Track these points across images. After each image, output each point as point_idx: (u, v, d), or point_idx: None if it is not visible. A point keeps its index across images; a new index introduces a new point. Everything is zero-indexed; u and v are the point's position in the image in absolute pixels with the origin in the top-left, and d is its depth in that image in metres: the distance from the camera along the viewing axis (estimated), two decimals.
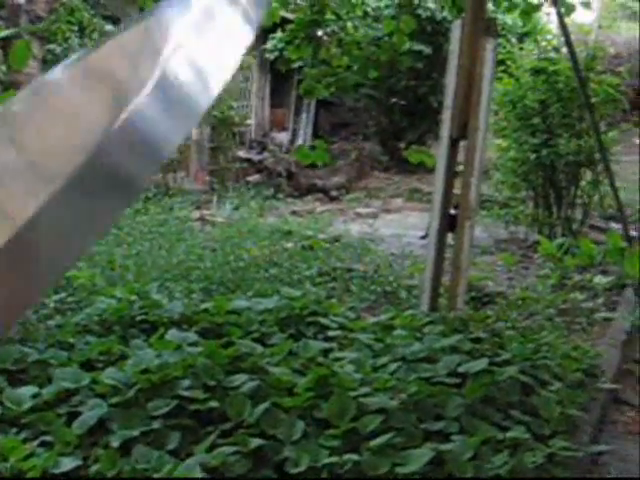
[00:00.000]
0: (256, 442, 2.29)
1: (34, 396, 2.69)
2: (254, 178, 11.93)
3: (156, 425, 2.42)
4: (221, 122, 12.71)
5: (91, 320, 3.48)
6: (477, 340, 3.50)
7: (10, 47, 7.81)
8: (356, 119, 15.02)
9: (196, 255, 5.36)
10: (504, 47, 8.09)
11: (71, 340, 3.26)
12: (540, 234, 7.54)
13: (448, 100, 4.03)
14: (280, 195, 10.39)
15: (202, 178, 12.56)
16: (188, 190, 11.16)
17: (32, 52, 2.96)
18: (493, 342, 3.54)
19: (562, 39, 6.08)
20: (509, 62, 7.98)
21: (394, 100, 13.03)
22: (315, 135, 14.75)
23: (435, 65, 12.06)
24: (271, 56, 12.68)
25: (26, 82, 7.11)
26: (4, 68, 12.13)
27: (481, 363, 3.07)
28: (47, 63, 8.65)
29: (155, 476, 2.18)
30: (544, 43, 8.18)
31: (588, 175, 7.61)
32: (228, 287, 4.45)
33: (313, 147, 4.08)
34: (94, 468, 2.27)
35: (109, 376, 2.66)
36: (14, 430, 2.50)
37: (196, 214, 8.74)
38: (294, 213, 9.31)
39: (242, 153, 13.43)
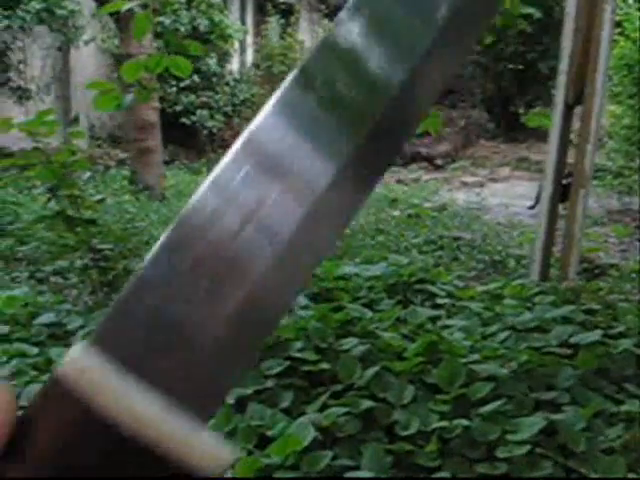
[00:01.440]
0: (367, 404, 2.33)
1: None
2: None
3: (269, 384, 2.50)
4: None
5: None
6: (589, 311, 3.42)
7: (123, 21, 8.03)
8: (462, 86, 14.73)
9: None
10: (621, 8, 7.72)
11: None
12: None
13: (563, 64, 3.90)
14: None
15: None
16: None
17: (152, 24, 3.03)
18: (606, 314, 3.45)
19: None
20: (626, 24, 7.62)
21: (502, 66, 12.69)
22: None
23: (546, 29, 11.65)
24: None
25: (138, 54, 7.32)
26: (116, 41, 12.54)
27: (594, 335, 3.01)
28: (158, 36, 8.87)
29: (270, 433, 2.25)
30: None
31: None
32: (335, 253, 4.49)
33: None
34: (211, 422, 2.36)
35: None
36: None
37: None
38: (399, 181, 9.27)
39: None
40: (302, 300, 3.18)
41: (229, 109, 12.03)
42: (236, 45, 12.82)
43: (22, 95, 12.75)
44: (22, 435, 0.19)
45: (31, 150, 3.33)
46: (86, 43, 12.98)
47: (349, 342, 2.70)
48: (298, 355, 2.61)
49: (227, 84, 12.26)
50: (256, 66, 13.31)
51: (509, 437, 2.24)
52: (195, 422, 0.21)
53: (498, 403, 2.36)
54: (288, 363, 2.58)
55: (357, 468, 2.15)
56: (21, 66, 13.10)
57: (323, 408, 2.36)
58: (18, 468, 0.18)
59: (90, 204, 3.80)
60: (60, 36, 13.03)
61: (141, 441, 0.19)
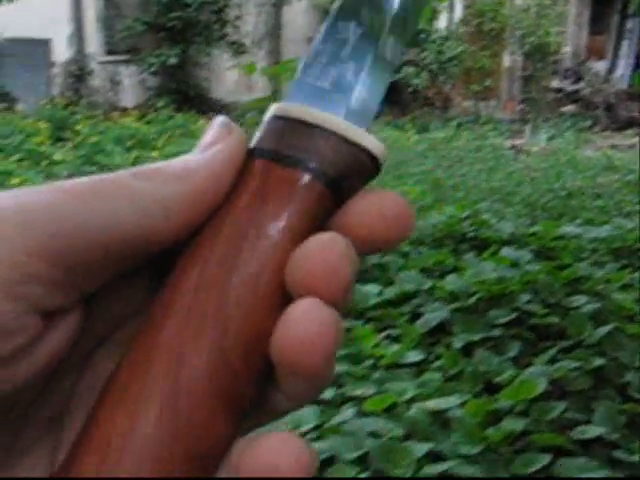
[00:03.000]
0: (598, 361, 2.29)
1: (378, 294, 2.94)
2: (568, 109, 11.44)
3: (496, 333, 2.52)
4: (536, 49, 12.28)
5: (423, 233, 3.67)
6: None
7: None
8: None
9: (515, 181, 5.35)
10: None
11: (406, 249, 3.48)
12: None
13: None
14: (596, 128, 9.87)
15: (512, 107, 12.31)
16: (498, 119, 11.02)
17: None
18: None
19: None
20: None
21: None
22: (638, 65, 13.66)
23: None
24: None
25: None
26: None
27: None
28: None
29: (497, 380, 2.28)
30: None
31: None
32: (552, 214, 4.39)
33: None
34: (436, 364, 2.43)
35: (450, 282, 2.81)
36: (361, 322, 2.75)
37: (508, 143, 8.66)
38: (613, 147, 8.80)
39: (555, 83, 12.90)
40: (526, 255, 3.15)
41: (435, 67, 11.93)
42: (445, 1, 12.64)
43: (237, 49, 13.39)
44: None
45: (270, 94, 3.53)
46: None
47: (578, 299, 2.66)
48: (526, 307, 2.61)
49: (434, 42, 12.15)
50: (465, 23, 13.06)
51: None
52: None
53: None
54: (515, 314, 2.58)
55: (587, 423, 2.13)
56: (237, 22, 13.72)
57: (552, 361, 2.35)
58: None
59: None
60: None
61: (344, 137, 0.27)
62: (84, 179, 0.24)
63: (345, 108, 0.27)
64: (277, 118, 0.27)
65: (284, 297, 0.24)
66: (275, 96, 3.40)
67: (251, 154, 0.27)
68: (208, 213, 0.25)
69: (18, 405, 0.24)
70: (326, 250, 0.24)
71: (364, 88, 0.28)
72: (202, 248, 0.25)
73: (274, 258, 0.24)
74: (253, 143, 0.27)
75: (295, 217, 0.25)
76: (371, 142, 0.27)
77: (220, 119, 0.27)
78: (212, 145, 0.26)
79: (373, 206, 0.25)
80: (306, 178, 0.25)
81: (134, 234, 0.23)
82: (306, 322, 0.23)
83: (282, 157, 0.26)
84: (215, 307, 0.24)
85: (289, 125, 0.26)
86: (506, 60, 13.11)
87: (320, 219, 0.26)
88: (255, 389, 0.25)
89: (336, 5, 0.29)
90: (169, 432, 0.23)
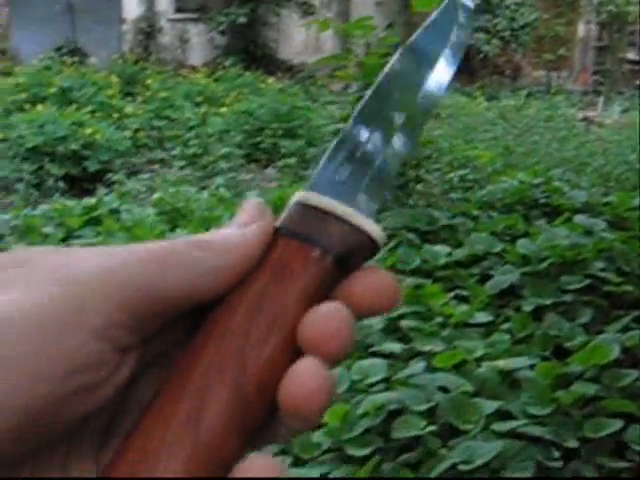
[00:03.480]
0: None
1: (447, 255, 2.92)
2: None
3: (567, 298, 2.49)
4: (614, 18, 11.88)
5: (493, 197, 3.63)
6: None
7: None
8: None
9: (588, 152, 5.24)
10: None
11: (475, 213, 3.45)
12: None
13: None
14: None
15: (584, 78, 11.98)
16: (569, 90, 10.75)
17: None
18: None
19: None
20: None
21: None
22: None
23: None
24: None
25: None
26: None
27: None
28: None
29: (567, 344, 2.26)
30: None
31: None
32: (626, 185, 4.29)
33: None
34: (505, 326, 2.42)
35: (522, 246, 2.78)
36: (430, 281, 2.74)
37: (580, 114, 8.45)
38: None
39: (631, 54, 12.49)
40: (600, 223, 3.09)
41: (507, 34, 11.66)
42: None
43: (306, 10, 13.31)
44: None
45: (342, 52, 3.50)
46: None
47: None
48: (599, 275, 2.57)
49: (507, 7, 11.86)
50: None
51: None
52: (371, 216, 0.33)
53: None
54: (588, 281, 2.54)
55: None
56: None
57: (624, 329, 2.31)
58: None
59: None
60: None
61: (353, 224, 0.32)
62: (153, 246, 0.31)
63: (357, 197, 0.33)
64: (299, 204, 0.33)
65: (294, 348, 0.30)
66: (347, 55, 3.37)
67: (277, 231, 0.33)
68: (243, 277, 0.32)
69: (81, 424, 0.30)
70: (330, 317, 0.30)
71: (374, 181, 0.34)
72: (232, 303, 0.31)
73: (287, 317, 0.31)
74: (279, 222, 0.33)
75: (307, 284, 0.31)
76: (373, 229, 0.32)
77: (254, 200, 0.34)
78: (249, 223, 0.33)
79: (374, 282, 0.32)
80: (318, 254, 0.31)
81: (188, 293, 0.31)
82: (308, 380, 0.30)
83: (300, 236, 0.32)
84: (236, 352, 0.30)
85: (308, 211, 0.32)
86: (580, 29, 12.73)
87: (327, 287, 0.32)
88: (264, 416, 0.30)
89: (355, 111, 0.35)
90: (191, 449, 0.28)
